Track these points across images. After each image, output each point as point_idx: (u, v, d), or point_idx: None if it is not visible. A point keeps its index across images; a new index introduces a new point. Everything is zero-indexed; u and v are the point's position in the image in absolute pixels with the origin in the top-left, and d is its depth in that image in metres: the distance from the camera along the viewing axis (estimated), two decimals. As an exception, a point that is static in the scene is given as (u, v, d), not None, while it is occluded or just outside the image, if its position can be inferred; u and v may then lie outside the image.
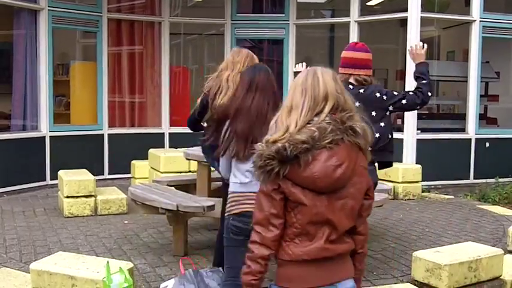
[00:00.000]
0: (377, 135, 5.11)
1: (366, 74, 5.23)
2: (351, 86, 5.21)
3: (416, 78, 5.52)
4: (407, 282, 5.80)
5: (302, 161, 2.94)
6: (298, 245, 3.02)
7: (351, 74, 5.21)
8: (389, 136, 5.33)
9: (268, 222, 3.01)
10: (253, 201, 3.22)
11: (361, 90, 5.19)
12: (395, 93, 5.46)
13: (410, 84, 10.78)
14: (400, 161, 10.82)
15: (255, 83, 4.34)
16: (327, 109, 3.07)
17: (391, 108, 5.31)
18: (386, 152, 5.29)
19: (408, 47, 5.34)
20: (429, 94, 5.43)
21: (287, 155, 2.92)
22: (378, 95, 5.23)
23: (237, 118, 4.24)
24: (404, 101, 5.37)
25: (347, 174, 3.01)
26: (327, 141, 2.97)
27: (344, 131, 3.03)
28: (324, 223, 3.02)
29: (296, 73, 5.50)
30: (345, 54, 5.34)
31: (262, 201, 3.06)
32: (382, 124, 5.20)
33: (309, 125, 3.01)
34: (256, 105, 4.25)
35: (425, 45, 5.59)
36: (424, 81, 5.46)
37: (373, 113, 5.15)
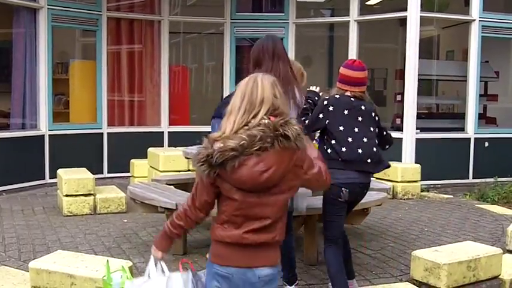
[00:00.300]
0: (374, 149, 5.25)
1: (360, 91, 5.36)
2: (352, 99, 5.32)
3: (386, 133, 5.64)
4: (406, 281, 5.82)
5: (229, 167, 3.27)
6: (225, 230, 3.41)
7: (346, 90, 5.36)
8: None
9: (202, 206, 3.48)
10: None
11: (363, 107, 5.31)
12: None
13: (410, 83, 10.82)
14: (399, 160, 10.83)
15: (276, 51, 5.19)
16: (262, 112, 3.38)
17: (377, 130, 5.43)
18: (383, 161, 5.40)
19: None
20: (386, 147, 5.56)
21: (214, 162, 3.27)
22: (373, 114, 5.39)
23: None
24: (384, 133, 5.52)
25: (275, 177, 3.32)
26: (255, 148, 3.26)
27: (275, 138, 3.29)
28: (252, 216, 3.36)
29: (310, 91, 5.70)
30: (342, 71, 5.48)
31: (200, 189, 3.47)
32: (376, 141, 5.34)
33: (246, 127, 3.34)
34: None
35: None
36: (389, 137, 5.63)
37: (371, 129, 5.31)
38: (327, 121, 5.17)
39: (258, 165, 3.28)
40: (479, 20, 11.49)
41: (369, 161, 5.16)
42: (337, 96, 5.30)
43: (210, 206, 3.51)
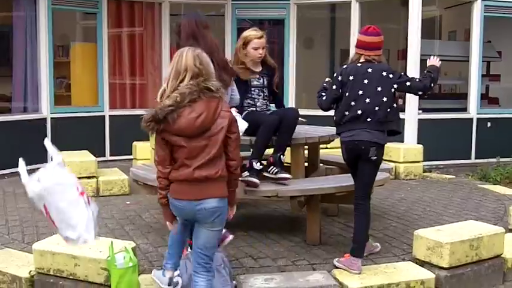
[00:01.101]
0: (376, 108, 5.57)
1: (375, 55, 5.72)
2: (359, 64, 5.72)
3: (426, 72, 5.87)
4: (409, 260, 5.84)
5: (170, 119, 4.19)
6: (178, 171, 4.32)
7: (362, 54, 5.73)
8: (389, 109, 5.67)
9: (162, 161, 4.36)
10: None
11: (369, 70, 5.63)
12: (402, 74, 5.90)
13: (412, 64, 10.80)
14: (402, 141, 10.81)
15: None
16: (187, 78, 4.31)
17: (395, 86, 5.69)
18: (389, 122, 5.72)
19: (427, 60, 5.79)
20: (430, 85, 5.76)
21: (158, 117, 4.20)
22: (384, 73, 5.64)
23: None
24: (408, 83, 5.76)
25: (206, 120, 4.25)
26: (186, 101, 4.22)
27: (200, 91, 4.26)
28: (196, 156, 4.26)
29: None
30: (358, 36, 5.90)
31: (157, 147, 4.37)
32: (384, 99, 5.59)
33: (176, 91, 4.27)
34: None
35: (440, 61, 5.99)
36: (430, 75, 5.79)
37: (378, 88, 5.60)
38: (340, 90, 5.68)
39: (191, 113, 4.22)
40: (482, 0, 11.44)
41: (368, 119, 5.54)
42: (345, 66, 5.78)
43: (168, 159, 4.35)
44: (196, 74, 4.30)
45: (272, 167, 6.26)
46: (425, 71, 5.91)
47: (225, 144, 4.36)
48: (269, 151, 6.46)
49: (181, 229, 4.83)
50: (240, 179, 5.62)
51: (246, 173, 6.14)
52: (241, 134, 5.54)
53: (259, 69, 6.72)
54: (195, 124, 4.21)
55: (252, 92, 6.64)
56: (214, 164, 4.30)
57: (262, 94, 6.69)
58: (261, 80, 6.71)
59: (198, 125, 4.22)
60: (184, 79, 4.30)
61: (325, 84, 6.00)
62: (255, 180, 6.07)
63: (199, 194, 4.28)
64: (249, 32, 6.67)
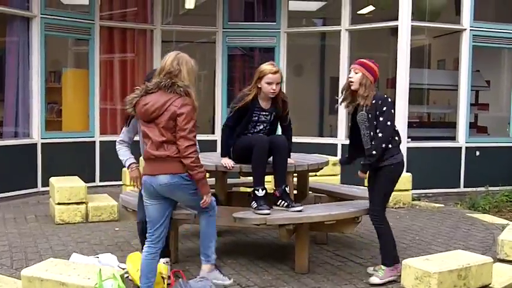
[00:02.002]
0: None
1: None
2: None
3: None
4: (397, 290, 5.86)
5: (136, 106, 5.20)
6: (145, 150, 5.24)
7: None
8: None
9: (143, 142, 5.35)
10: None
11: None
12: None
13: (401, 92, 10.86)
14: (391, 169, 10.86)
15: None
16: (162, 74, 5.18)
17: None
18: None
19: None
20: (382, 146, 5.97)
21: (131, 102, 5.24)
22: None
23: None
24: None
25: (151, 108, 5.07)
26: (144, 92, 5.17)
27: (158, 85, 5.13)
28: (151, 138, 5.11)
29: None
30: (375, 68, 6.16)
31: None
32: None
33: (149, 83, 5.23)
34: None
35: None
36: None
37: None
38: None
39: (143, 101, 5.14)
40: (470, 29, 11.55)
41: None
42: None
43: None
44: (169, 71, 5.17)
45: (281, 200, 6.25)
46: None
47: (173, 132, 5.08)
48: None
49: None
50: (253, 212, 6.07)
51: (254, 204, 6.14)
52: None
53: (268, 105, 6.63)
54: (142, 110, 5.15)
55: (257, 127, 6.60)
56: (166, 147, 5.08)
57: (265, 130, 6.65)
58: (269, 117, 6.64)
59: (143, 111, 5.14)
60: (159, 75, 5.21)
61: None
62: (266, 211, 6.05)
63: (154, 169, 5.14)
64: (265, 66, 6.53)
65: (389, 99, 6.03)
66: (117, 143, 6.24)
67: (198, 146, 5.17)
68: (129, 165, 6.07)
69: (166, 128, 5.05)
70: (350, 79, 6.10)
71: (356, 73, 6.06)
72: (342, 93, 6.31)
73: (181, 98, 5.06)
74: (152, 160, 5.13)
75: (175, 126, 5.05)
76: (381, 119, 5.89)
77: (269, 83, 6.44)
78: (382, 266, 6.09)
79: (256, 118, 6.58)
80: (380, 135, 5.88)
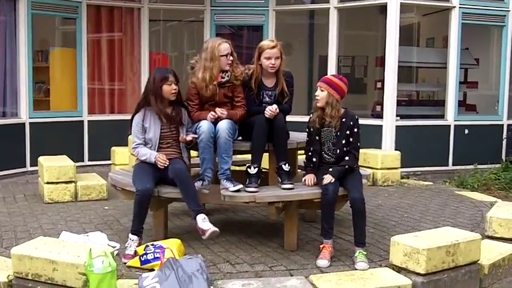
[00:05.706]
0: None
1: None
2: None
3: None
4: (386, 266, 5.86)
5: None
6: None
7: None
8: None
9: None
10: None
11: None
12: None
13: (390, 71, 10.86)
14: (379, 147, 10.90)
15: None
16: None
17: None
18: None
19: None
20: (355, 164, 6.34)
21: None
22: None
23: None
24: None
25: None
26: None
27: None
28: None
29: None
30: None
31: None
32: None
33: None
34: None
35: None
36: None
37: None
38: None
39: None
40: (459, 7, 11.53)
41: None
42: None
43: None
44: None
45: (278, 177, 6.33)
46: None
47: None
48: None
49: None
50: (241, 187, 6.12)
51: (247, 181, 6.17)
52: None
53: (272, 83, 6.67)
54: None
55: (262, 105, 6.58)
56: None
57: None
58: (272, 98, 6.64)
59: None
60: None
61: None
62: (253, 189, 6.07)
63: None
64: (263, 42, 6.61)
65: (358, 118, 6.27)
66: (133, 150, 6.54)
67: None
68: (155, 156, 6.26)
69: None
70: (316, 97, 6.20)
71: (322, 91, 6.12)
72: (311, 114, 6.32)
73: None
74: None
75: None
76: (351, 139, 6.18)
77: (268, 58, 6.48)
78: (361, 249, 6.07)
79: (261, 97, 6.64)
80: (355, 153, 6.23)
